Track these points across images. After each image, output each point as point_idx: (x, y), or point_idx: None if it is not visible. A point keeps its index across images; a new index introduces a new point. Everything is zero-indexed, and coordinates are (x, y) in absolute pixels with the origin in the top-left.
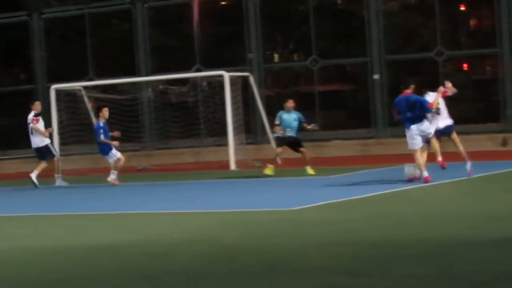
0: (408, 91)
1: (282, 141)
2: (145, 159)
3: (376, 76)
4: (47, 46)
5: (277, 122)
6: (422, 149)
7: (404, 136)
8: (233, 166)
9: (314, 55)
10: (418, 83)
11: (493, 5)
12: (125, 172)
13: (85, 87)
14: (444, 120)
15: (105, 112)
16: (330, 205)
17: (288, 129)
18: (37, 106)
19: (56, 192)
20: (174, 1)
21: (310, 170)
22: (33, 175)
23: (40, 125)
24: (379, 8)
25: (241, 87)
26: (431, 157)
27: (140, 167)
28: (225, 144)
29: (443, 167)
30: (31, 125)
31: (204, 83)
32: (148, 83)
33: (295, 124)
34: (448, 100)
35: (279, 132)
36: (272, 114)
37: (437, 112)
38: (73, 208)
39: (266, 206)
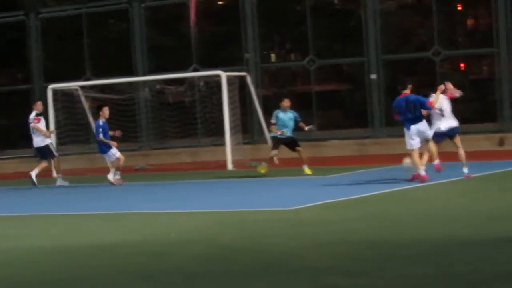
0: (407, 92)
1: (278, 141)
2: (142, 159)
3: (373, 76)
4: (44, 46)
5: (273, 121)
6: (421, 149)
7: (401, 136)
8: (230, 166)
9: (311, 55)
10: (415, 83)
11: (490, 4)
12: (122, 172)
13: (82, 87)
14: (448, 121)
15: (106, 111)
16: (327, 205)
17: (285, 129)
18: (39, 106)
19: (54, 192)
20: (171, 1)
21: (307, 170)
22: (33, 174)
23: (42, 125)
24: (376, 7)
25: (238, 87)
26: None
27: (137, 167)
28: (222, 144)
29: (439, 171)
30: (32, 124)
31: (201, 83)
32: (145, 83)
33: (291, 123)
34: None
35: (276, 132)
36: (269, 114)
37: (442, 113)
38: (71, 208)
39: (263, 206)
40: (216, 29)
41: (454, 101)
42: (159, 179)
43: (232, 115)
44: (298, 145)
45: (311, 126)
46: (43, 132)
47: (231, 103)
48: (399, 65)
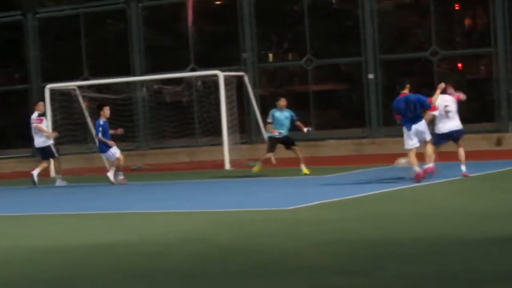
0: (406, 91)
1: (274, 141)
2: (140, 158)
3: (370, 76)
4: (41, 46)
5: (269, 120)
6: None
7: (399, 135)
8: (227, 166)
9: (308, 55)
10: (413, 83)
11: (488, 4)
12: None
13: (80, 87)
14: (452, 122)
15: (106, 110)
16: (324, 205)
17: (282, 131)
18: (41, 106)
19: (52, 191)
20: (169, 0)
21: (305, 170)
22: (35, 174)
23: (44, 125)
24: (373, 7)
25: (236, 86)
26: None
27: (135, 167)
28: (220, 143)
29: (430, 175)
30: (34, 124)
31: (199, 83)
32: (142, 82)
33: (287, 122)
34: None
35: (272, 131)
36: (266, 114)
37: (447, 114)
38: (68, 208)
39: (260, 206)
40: (213, 29)
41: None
42: (156, 179)
43: (229, 115)
44: (294, 144)
45: (309, 128)
46: (46, 133)
47: (228, 103)
48: (396, 65)
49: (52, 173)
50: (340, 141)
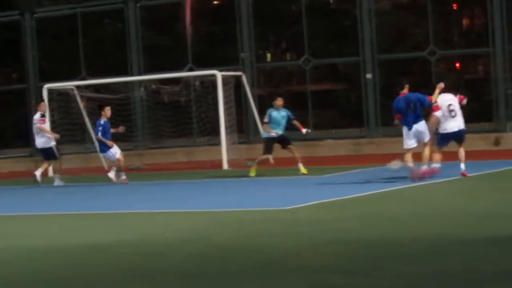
0: (405, 91)
1: (270, 142)
2: (138, 158)
3: (368, 76)
4: (39, 46)
5: (266, 120)
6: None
7: (396, 135)
8: (225, 166)
9: (306, 55)
10: (411, 82)
11: (486, 4)
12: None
13: (78, 87)
14: (456, 122)
15: (107, 110)
16: (322, 205)
17: (277, 130)
18: (43, 106)
19: (50, 191)
20: (167, 0)
21: (303, 169)
22: (38, 174)
23: (46, 126)
24: (371, 7)
25: (234, 86)
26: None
27: (133, 167)
28: (218, 143)
29: (422, 177)
30: (38, 125)
31: (197, 83)
32: (140, 82)
33: (284, 121)
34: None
35: (269, 131)
36: (264, 114)
37: (451, 114)
38: (67, 208)
39: (259, 206)
40: (211, 29)
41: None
42: (154, 178)
43: (227, 114)
44: (289, 143)
45: (308, 130)
46: (49, 133)
47: (226, 102)
48: (394, 65)
49: (50, 172)
50: (338, 141)
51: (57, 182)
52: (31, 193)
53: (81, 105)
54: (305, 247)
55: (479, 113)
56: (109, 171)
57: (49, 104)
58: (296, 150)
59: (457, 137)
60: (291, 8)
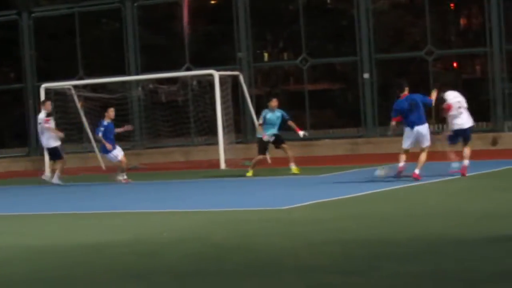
0: (406, 93)
1: (264, 143)
2: (135, 158)
3: (366, 75)
4: (36, 45)
5: (260, 121)
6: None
7: (394, 135)
8: (223, 165)
9: (304, 54)
10: (409, 82)
11: (483, 3)
12: (115, 171)
13: (75, 86)
14: (463, 119)
15: (111, 112)
16: (319, 204)
17: (272, 131)
18: (48, 106)
19: (47, 191)
20: (164, 0)
21: (294, 169)
22: (55, 179)
23: (52, 125)
24: (368, 7)
25: (231, 86)
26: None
27: (130, 166)
28: (215, 143)
29: (418, 178)
30: (45, 125)
31: (194, 82)
32: (138, 82)
33: (278, 122)
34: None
35: (263, 135)
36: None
37: (459, 110)
38: (64, 207)
39: (256, 205)
40: (208, 28)
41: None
42: (152, 178)
43: (225, 114)
44: (283, 142)
45: (305, 133)
46: (55, 133)
47: (223, 102)
48: (392, 65)
49: (48, 173)
50: (335, 140)
51: (55, 180)
52: (28, 193)
53: (79, 104)
54: (302, 246)
55: (476, 113)
56: (114, 173)
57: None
58: (290, 150)
59: (466, 134)
60: (288, 8)
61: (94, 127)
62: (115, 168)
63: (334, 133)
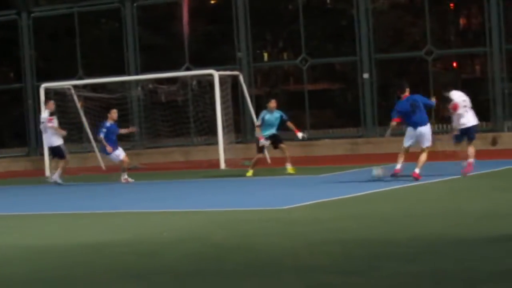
0: (407, 94)
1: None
2: (135, 158)
3: (365, 75)
4: (36, 45)
5: (258, 123)
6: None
7: (393, 135)
8: (222, 165)
9: (303, 54)
10: (408, 82)
11: (483, 3)
12: (114, 171)
13: (75, 86)
14: (468, 118)
15: (114, 113)
16: (319, 204)
17: (270, 131)
18: (51, 105)
19: (47, 191)
20: (163, 0)
21: (290, 169)
22: (56, 177)
23: (55, 124)
24: (368, 7)
25: (231, 86)
26: (414, 158)
27: (130, 166)
28: (215, 143)
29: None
30: (49, 124)
31: (194, 82)
32: (137, 82)
33: (277, 122)
34: (439, 101)
35: (259, 138)
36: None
37: (465, 109)
38: (63, 207)
39: (256, 205)
40: (208, 28)
41: (443, 101)
42: (151, 178)
43: (224, 114)
44: (281, 142)
45: (304, 135)
46: (59, 131)
47: (223, 102)
48: (391, 65)
49: (47, 172)
50: (335, 140)
51: (55, 177)
52: (27, 192)
53: (78, 104)
54: (302, 246)
55: (476, 112)
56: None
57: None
58: (288, 150)
59: (471, 132)
60: (288, 8)
61: (94, 127)
62: (115, 168)
63: (333, 133)
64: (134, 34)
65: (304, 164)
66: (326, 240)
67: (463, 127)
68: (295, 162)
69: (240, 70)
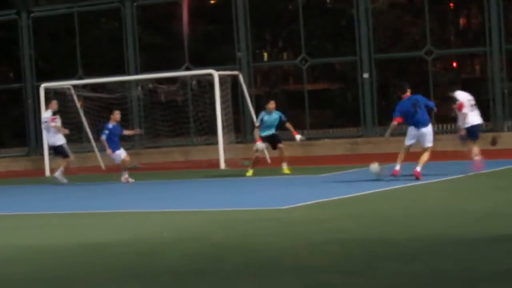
0: (408, 94)
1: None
2: (135, 157)
3: (365, 75)
4: (36, 45)
5: (257, 124)
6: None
7: (393, 135)
8: (222, 165)
9: (303, 54)
10: (408, 82)
11: (483, 3)
12: (114, 171)
13: (74, 86)
14: (475, 116)
15: (117, 115)
16: (319, 204)
17: (269, 132)
18: (54, 105)
19: (46, 191)
20: None
21: (286, 169)
22: (58, 174)
23: (58, 123)
24: (368, 6)
25: (231, 86)
26: (414, 158)
27: (130, 166)
28: (215, 143)
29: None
30: (52, 123)
31: (194, 82)
32: (137, 81)
33: (275, 123)
34: (437, 100)
35: (256, 140)
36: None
37: (472, 108)
38: (63, 207)
39: (255, 205)
40: (208, 28)
41: (442, 100)
42: (151, 178)
43: (224, 114)
44: (280, 142)
45: (302, 138)
46: (62, 131)
47: (223, 102)
48: (391, 64)
49: (47, 172)
50: (335, 140)
51: (58, 174)
52: (27, 192)
53: (78, 104)
54: (302, 246)
55: None
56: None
57: (46, 104)
58: (286, 150)
59: (475, 130)
60: (287, 8)
61: (94, 126)
62: (115, 168)
63: (333, 133)
64: (134, 33)
65: (304, 164)
66: (326, 240)
67: (469, 125)
68: (295, 162)
69: (240, 70)
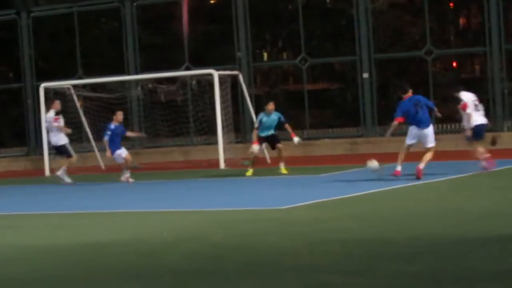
0: (409, 94)
1: (260, 141)
2: (134, 157)
3: (365, 75)
4: (35, 45)
5: (256, 125)
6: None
7: (393, 134)
8: (222, 165)
9: (303, 54)
10: (408, 82)
11: (482, 3)
12: (114, 171)
13: (74, 86)
14: (481, 116)
15: (119, 115)
16: (319, 204)
17: (267, 132)
18: (57, 105)
19: (46, 190)
20: None
21: (283, 170)
22: (60, 173)
23: (61, 123)
24: (367, 6)
25: (230, 85)
26: (414, 158)
27: (131, 165)
28: (214, 142)
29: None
30: (55, 123)
31: (193, 82)
32: (137, 81)
33: (274, 123)
34: (436, 100)
35: (254, 142)
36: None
37: (477, 108)
38: (63, 207)
39: (255, 205)
40: (208, 28)
41: (442, 100)
42: (151, 178)
43: (224, 114)
44: (279, 142)
45: (300, 140)
46: (65, 130)
47: (223, 102)
48: (391, 64)
49: (47, 172)
50: (334, 140)
51: (60, 172)
52: (27, 192)
53: (78, 104)
54: (301, 246)
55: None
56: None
57: (46, 104)
58: (285, 150)
59: (480, 129)
60: (287, 8)
61: (94, 126)
62: (115, 168)
63: (333, 132)
64: (134, 33)
65: (304, 164)
66: (326, 240)
67: (474, 124)
68: (295, 162)
69: (240, 69)
